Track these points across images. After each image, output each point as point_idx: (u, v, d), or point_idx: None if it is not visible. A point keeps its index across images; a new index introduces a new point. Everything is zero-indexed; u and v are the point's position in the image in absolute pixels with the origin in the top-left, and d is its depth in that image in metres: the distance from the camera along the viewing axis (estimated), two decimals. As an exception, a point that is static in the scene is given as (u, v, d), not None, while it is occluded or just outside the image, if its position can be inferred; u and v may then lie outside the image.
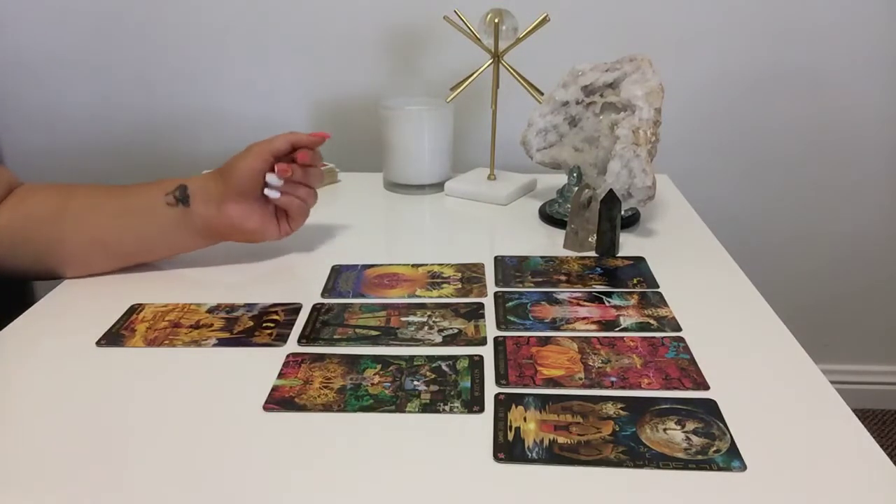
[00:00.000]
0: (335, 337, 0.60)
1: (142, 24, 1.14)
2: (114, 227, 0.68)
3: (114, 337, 0.60)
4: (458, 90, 0.93)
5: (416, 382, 0.53)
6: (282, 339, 0.60)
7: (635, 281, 0.70)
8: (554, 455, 0.45)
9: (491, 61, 0.92)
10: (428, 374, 0.54)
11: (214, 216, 0.68)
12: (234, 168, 0.68)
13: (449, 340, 0.59)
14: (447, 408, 0.50)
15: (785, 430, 0.48)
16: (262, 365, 0.56)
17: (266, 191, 0.68)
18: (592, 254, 0.77)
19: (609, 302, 0.66)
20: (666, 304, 0.65)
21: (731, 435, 0.47)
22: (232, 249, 0.77)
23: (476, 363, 0.56)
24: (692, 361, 0.56)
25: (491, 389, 0.52)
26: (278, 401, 0.51)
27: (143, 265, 0.72)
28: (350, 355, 0.57)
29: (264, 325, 0.62)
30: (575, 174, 0.84)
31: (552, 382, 0.53)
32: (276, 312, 0.64)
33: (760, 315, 0.63)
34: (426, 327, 0.61)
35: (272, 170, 0.68)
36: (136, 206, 0.68)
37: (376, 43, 1.14)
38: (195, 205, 0.68)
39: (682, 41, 1.12)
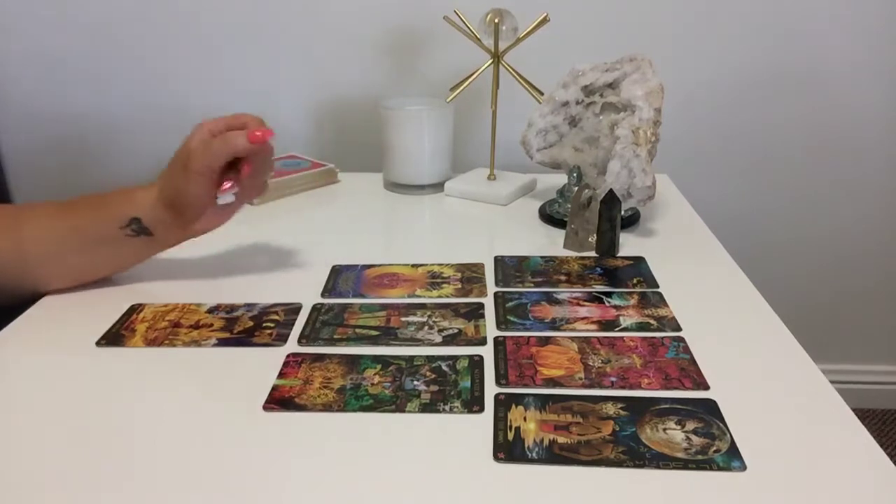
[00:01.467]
0: (335, 337, 0.60)
1: (141, 25, 1.13)
2: (84, 259, 0.66)
3: (114, 337, 0.60)
4: (458, 90, 0.93)
5: (416, 382, 0.53)
6: (282, 339, 0.60)
7: (635, 281, 0.70)
8: (554, 455, 0.45)
9: (491, 61, 0.92)
10: (428, 374, 0.54)
11: (184, 235, 0.67)
12: (182, 196, 0.63)
13: (449, 340, 0.59)
14: (447, 408, 0.50)
15: (785, 430, 0.48)
16: (262, 365, 0.56)
17: (219, 201, 0.64)
18: (592, 254, 0.77)
19: (609, 302, 0.66)
20: (666, 304, 0.65)
21: (731, 435, 0.47)
22: (232, 249, 0.77)
23: (476, 363, 0.56)
24: (692, 361, 0.56)
25: (491, 389, 0.52)
26: (278, 401, 0.51)
27: (143, 265, 0.72)
28: (350, 355, 0.57)
29: (264, 325, 0.62)
30: (575, 174, 0.84)
31: (552, 382, 0.53)
32: (276, 312, 0.64)
33: (760, 315, 0.63)
34: (426, 327, 0.61)
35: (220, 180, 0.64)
36: (97, 236, 0.65)
37: (376, 43, 1.14)
38: (159, 233, 0.65)
39: (682, 41, 1.12)
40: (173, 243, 0.67)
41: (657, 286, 0.69)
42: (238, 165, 0.63)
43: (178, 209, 0.64)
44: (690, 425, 0.48)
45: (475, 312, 0.64)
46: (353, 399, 0.51)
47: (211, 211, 0.65)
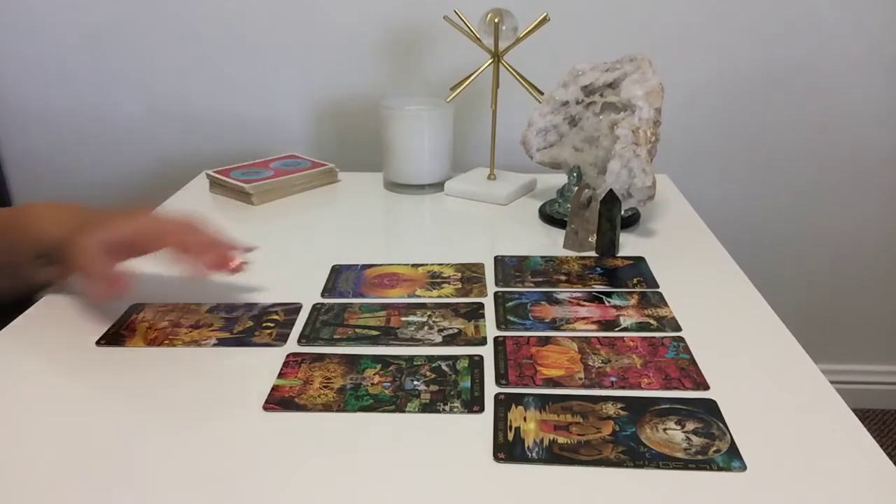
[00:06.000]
0: (335, 337, 0.60)
1: (141, 25, 1.14)
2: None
3: (114, 337, 0.60)
4: (458, 90, 0.93)
5: (416, 382, 0.53)
6: (282, 338, 0.60)
7: (635, 281, 0.70)
8: (554, 455, 0.45)
9: (491, 61, 0.92)
10: (428, 374, 0.54)
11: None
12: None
13: (449, 340, 0.59)
14: (447, 408, 0.50)
15: (785, 430, 0.48)
16: (262, 365, 0.56)
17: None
18: (592, 254, 0.77)
19: (609, 302, 0.66)
20: (666, 304, 0.65)
21: (731, 435, 0.47)
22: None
23: (476, 363, 0.56)
24: (692, 361, 0.56)
25: (491, 389, 0.52)
26: (278, 401, 0.51)
27: (143, 264, 0.72)
28: (350, 355, 0.57)
29: (264, 325, 0.62)
30: (575, 174, 0.84)
31: (552, 382, 0.53)
32: (276, 312, 0.64)
33: (760, 315, 0.63)
34: (426, 327, 0.61)
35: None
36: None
37: (376, 43, 1.14)
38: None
39: (682, 41, 1.12)
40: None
41: (657, 286, 0.69)
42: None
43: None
44: (690, 425, 0.48)
45: (475, 312, 0.64)
46: (353, 399, 0.51)
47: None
